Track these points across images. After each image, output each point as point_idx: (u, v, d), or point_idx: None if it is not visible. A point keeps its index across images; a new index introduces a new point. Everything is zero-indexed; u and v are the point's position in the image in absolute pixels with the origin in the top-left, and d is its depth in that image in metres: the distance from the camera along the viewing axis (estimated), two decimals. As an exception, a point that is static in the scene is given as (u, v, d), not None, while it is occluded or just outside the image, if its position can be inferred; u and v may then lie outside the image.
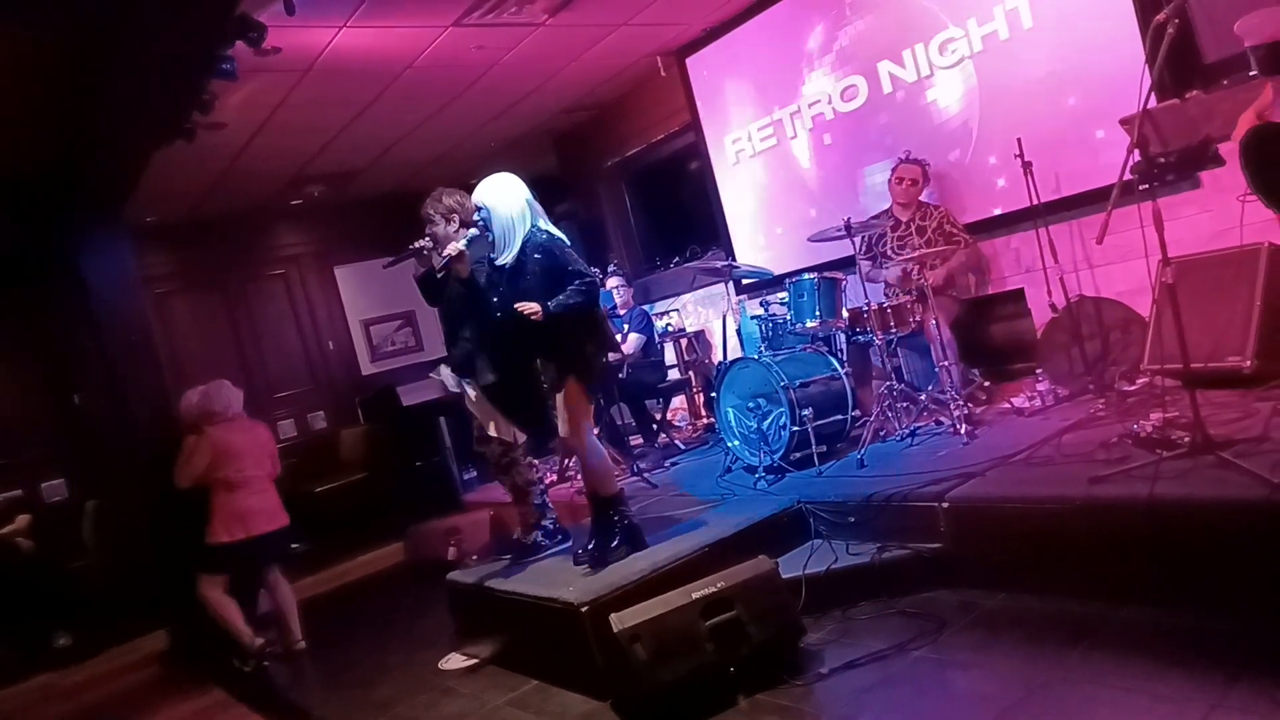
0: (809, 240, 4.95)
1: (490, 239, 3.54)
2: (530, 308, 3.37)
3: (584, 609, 3.24)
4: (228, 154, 6.32)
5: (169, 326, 7.74)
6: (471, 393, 4.05)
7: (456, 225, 3.89)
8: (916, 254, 4.53)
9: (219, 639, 5.28)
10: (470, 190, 3.70)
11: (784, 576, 3.29)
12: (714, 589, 3.03)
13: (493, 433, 4.07)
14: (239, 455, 4.96)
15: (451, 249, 3.54)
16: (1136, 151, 2.85)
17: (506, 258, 3.53)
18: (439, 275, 3.86)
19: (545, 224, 3.59)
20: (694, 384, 7.00)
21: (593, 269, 3.62)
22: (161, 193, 6.45)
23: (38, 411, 6.91)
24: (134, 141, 4.87)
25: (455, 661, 4.11)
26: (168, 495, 6.00)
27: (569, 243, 3.60)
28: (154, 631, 5.88)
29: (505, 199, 3.52)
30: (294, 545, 5.25)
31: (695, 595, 3.02)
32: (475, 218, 3.56)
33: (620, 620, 2.95)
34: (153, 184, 5.83)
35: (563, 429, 3.59)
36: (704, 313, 7.41)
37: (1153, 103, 2.98)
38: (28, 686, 5.49)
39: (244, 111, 5.47)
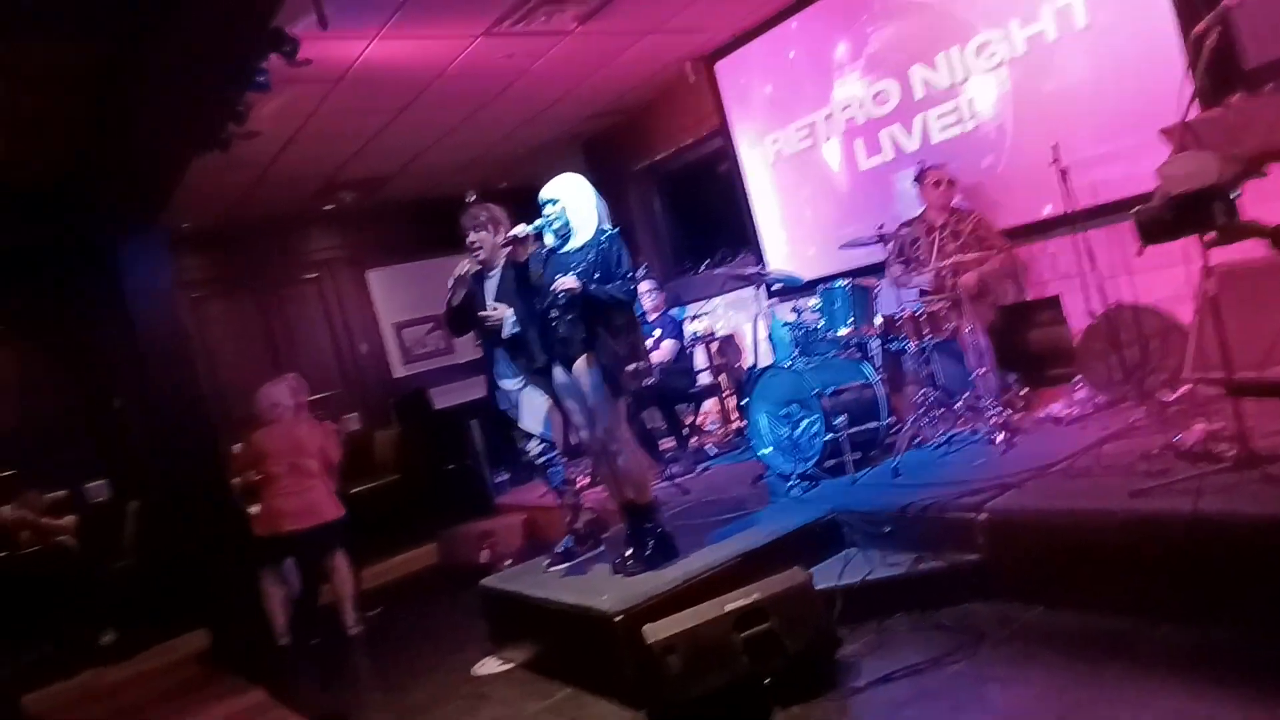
0: (841, 248, 4.93)
1: (558, 228, 3.61)
2: (568, 283, 3.42)
3: (617, 619, 3.26)
4: (261, 161, 6.40)
5: (205, 331, 7.85)
6: (515, 387, 4.13)
7: (500, 237, 4.04)
8: (951, 260, 4.49)
9: (259, 636, 5.45)
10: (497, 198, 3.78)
11: (819, 587, 3.29)
12: (748, 601, 3.04)
13: (533, 429, 4.12)
14: (268, 456, 5.30)
15: (519, 230, 3.61)
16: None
17: (569, 247, 3.62)
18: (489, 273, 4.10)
19: (608, 225, 3.67)
20: (724, 388, 6.98)
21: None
22: (196, 199, 6.54)
23: (80, 414, 7.05)
24: (171, 151, 4.95)
25: (489, 666, 4.15)
26: (205, 497, 6.16)
27: (627, 252, 3.65)
28: (195, 630, 6.01)
29: (578, 195, 3.65)
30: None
31: (729, 607, 3.02)
32: (547, 209, 3.64)
33: (654, 632, 2.96)
34: (188, 191, 5.91)
35: (598, 419, 3.62)
36: (734, 316, 7.39)
37: (1194, 113, 2.93)
38: (72, 684, 5.63)
39: (277, 120, 5.54)
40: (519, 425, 4.22)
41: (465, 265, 4.08)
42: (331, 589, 5.46)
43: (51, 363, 7.01)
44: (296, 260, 8.62)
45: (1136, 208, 2.76)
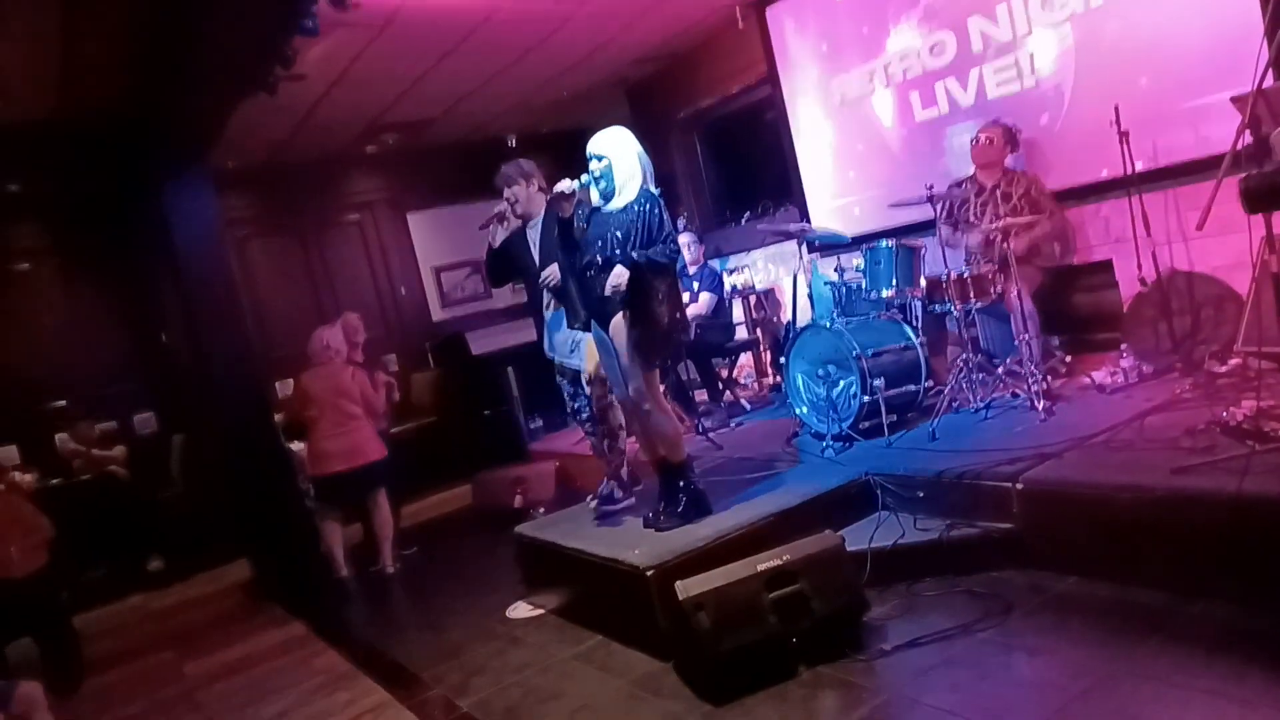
0: (890, 207, 4.83)
1: (603, 186, 3.57)
2: (619, 279, 3.42)
3: (649, 573, 3.30)
4: (306, 103, 6.40)
5: (248, 269, 7.96)
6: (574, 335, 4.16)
7: (535, 187, 4.03)
8: (1001, 223, 4.38)
9: (299, 570, 5.64)
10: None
11: (849, 549, 3.29)
12: (779, 562, 3.06)
13: (590, 368, 4.16)
14: (313, 400, 5.43)
15: (565, 185, 3.55)
16: (1247, 133, 2.69)
17: (613, 205, 3.57)
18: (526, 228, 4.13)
19: (652, 185, 3.61)
20: (762, 342, 6.95)
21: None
22: (242, 140, 6.57)
23: (130, 348, 7.24)
24: (219, 94, 4.97)
25: (522, 610, 4.25)
26: (248, 432, 6.31)
27: (668, 215, 3.61)
28: (237, 560, 6.23)
29: (627, 150, 3.58)
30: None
31: (760, 567, 3.04)
32: (592, 165, 3.59)
33: (685, 589, 3.00)
34: (233, 131, 5.94)
35: (629, 379, 3.62)
36: (774, 270, 7.32)
37: (1268, 81, 2.80)
38: (121, 608, 5.88)
39: (323, 64, 5.52)
40: (585, 372, 4.22)
41: (501, 206, 4.11)
42: (371, 528, 5.60)
43: (102, 297, 7.18)
44: (338, 201, 8.67)
45: (1246, 173, 2.62)
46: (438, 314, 8.98)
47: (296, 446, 6.26)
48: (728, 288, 6.67)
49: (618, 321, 3.53)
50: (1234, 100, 2.87)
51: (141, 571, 6.27)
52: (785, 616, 3.00)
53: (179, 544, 6.38)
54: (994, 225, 4.41)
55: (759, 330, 6.94)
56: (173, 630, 5.48)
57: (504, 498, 6.14)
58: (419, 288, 8.96)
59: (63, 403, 6.82)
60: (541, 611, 4.17)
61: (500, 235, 4.19)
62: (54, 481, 6.20)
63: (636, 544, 3.56)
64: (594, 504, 4.24)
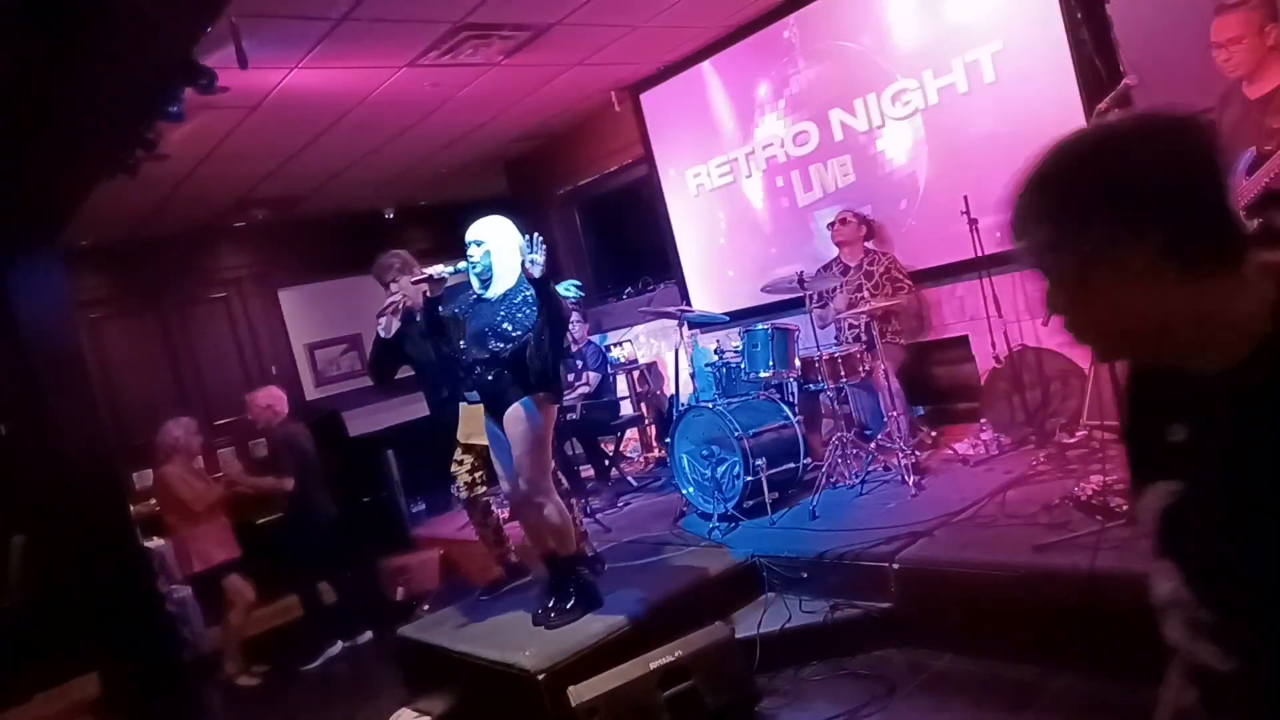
0: (762, 290, 5.02)
1: (479, 271, 3.56)
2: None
3: (540, 677, 3.24)
4: (170, 182, 6.14)
5: (103, 353, 7.46)
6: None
7: (416, 274, 4.00)
8: (866, 308, 4.63)
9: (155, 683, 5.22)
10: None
11: (739, 635, 3.34)
12: (671, 659, 3.06)
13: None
14: (168, 499, 5.37)
15: (437, 270, 3.54)
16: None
17: (491, 293, 3.56)
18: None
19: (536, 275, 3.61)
20: (646, 416, 7.02)
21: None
22: (97, 216, 6.22)
23: (-39, 442, 6.62)
24: (73, 176, 4.71)
25: (405, 718, 4.05)
26: (101, 529, 5.85)
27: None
28: (87, 674, 5.69)
29: (507, 239, 3.59)
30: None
31: (652, 665, 3.04)
32: (471, 250, 3.57)
33: (578, 694, 2.96)
34: (89, 208, 5.63)
35: (522, 472, 3.55)
36: (656, 344, 7.44)
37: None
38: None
39: (188, 144, 5.32)
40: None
41: (395, 298, 3.96)
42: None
43: (-69, 388, 6.56)
44: (204, 278, 8.29)
45: None
46: (311, 393, 8.63)
47: (155, 543, 5.85)
48: (611, 360, 6.73)
49: (514, 411, 3.49)
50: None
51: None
52: (679, 714, 2.99)
53: (22, 658, 5.78)
54: (860, 310, 4.66)
55: (643, 405, 7.01)
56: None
57: (385, 590, 5.89)
58: (291, 366, 8.61)
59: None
60: (426, 718, 3.99)
61: (395, 325, 4.06)
62: None
63: (527, 644, 3.48)
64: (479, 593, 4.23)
